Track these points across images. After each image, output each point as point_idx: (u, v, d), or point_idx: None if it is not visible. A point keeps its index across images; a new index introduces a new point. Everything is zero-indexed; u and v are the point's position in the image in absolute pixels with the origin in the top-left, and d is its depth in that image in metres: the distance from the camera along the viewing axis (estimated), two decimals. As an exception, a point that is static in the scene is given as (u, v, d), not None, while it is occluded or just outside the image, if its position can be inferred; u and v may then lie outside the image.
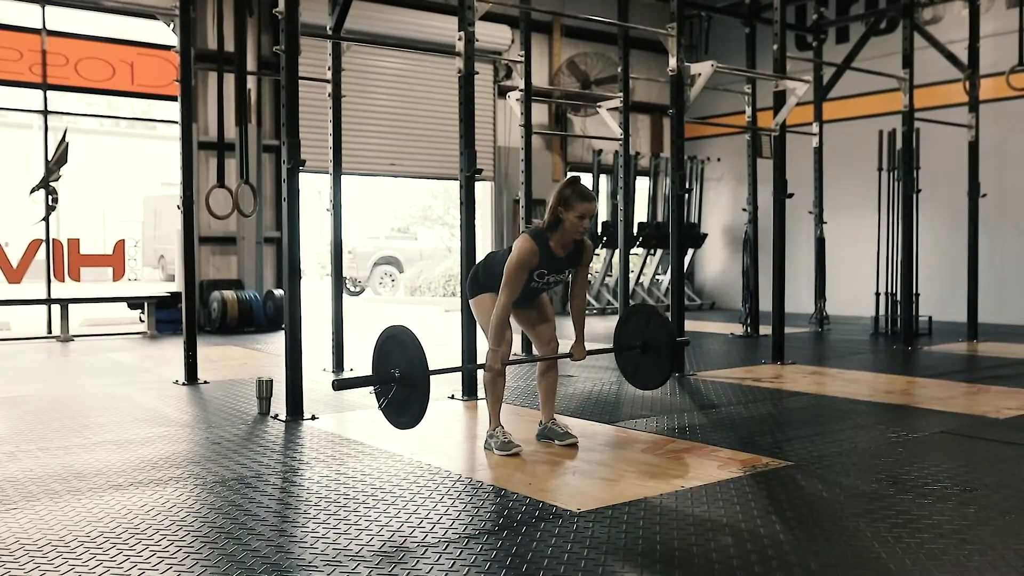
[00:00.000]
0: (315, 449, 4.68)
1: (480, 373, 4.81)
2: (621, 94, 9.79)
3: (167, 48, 11.56)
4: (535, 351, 4.90)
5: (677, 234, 7.34)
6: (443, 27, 11.97)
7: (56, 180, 10.52)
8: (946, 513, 3.46)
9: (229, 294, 11.23)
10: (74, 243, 10.74)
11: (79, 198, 12.12)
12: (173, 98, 11.56)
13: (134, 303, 11.22)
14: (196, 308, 11.16)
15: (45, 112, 10.61)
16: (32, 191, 10.48)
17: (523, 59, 8.85)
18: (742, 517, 3.42)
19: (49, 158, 10.48)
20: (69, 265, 10.68)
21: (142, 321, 11.05)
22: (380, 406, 4.37)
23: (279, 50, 5.54)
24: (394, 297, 21.55)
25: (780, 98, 7.83)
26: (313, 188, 29.27)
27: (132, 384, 7.00)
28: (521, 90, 8.75)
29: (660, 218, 14.60)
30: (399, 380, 4.30)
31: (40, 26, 10.50)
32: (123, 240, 11.15)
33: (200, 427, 5.29)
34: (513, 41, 13.61)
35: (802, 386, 6.72)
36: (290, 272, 5.63)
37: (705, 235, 14.93)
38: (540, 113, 14.47)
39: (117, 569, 2.87)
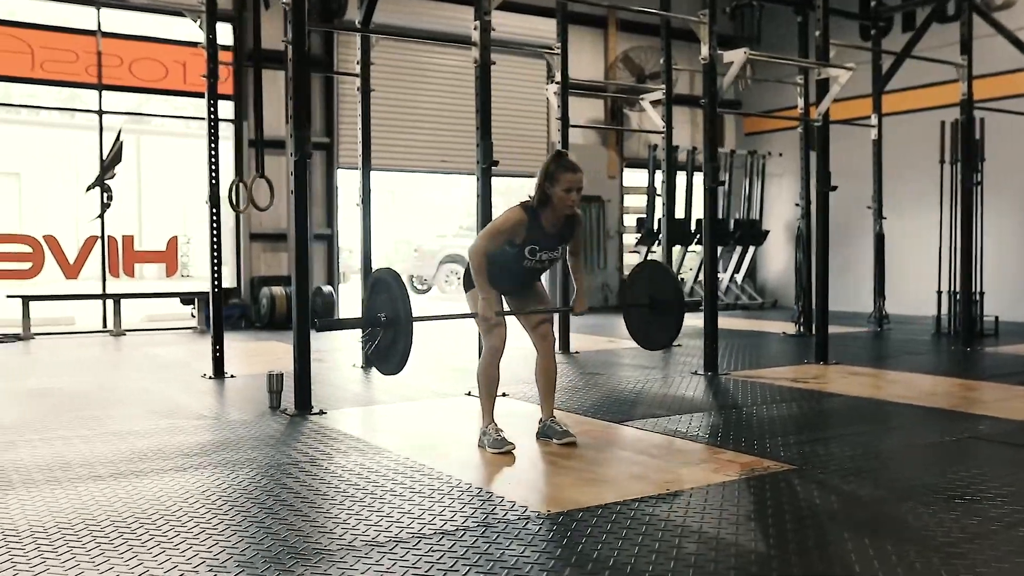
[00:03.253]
0: (307, 445, 4.60)
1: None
2: (666, 86, 9.51)
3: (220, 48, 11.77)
4: (533, 342, 4.71)
5: (710, 229, 7.08)
6: (501, 23, 11.85)
7: (111, 178, 10.75)
8: (945, 524, 3.20)
9: (278, 290, 11.32)
10: (128, 240, 10.97)
11: (134, 195, 12.37)
12: (226, 96, 11.81)
13: (186, 299, 11.40)
14: (225, 304, 11.33)
15: (100, 112, 10.85)
16: (88, 189, 10.73)
17: (565, 51, 8.65)
18: (718, 523, 3.22)
19: (104, 157, 10.72)
20: (123, 261, 10.91)
21: (193, 317, 11.22)
22: (367, 351, 4.32)
23: (286, 41, 5.49)
24: (458, 294, 21.55)
25: (823, 87, 7.50)
26: (385, 187, 29.51)
27: (162, 378, 7.07)
28: (558, 82, 8.57)
29: (720, 215, 14.23)
30: (384, 324, 4.21)
31: (95, 28, 10.74)
32: (175, 237, 11.33)
33: (205, 420, 5.27)
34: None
35: (839, 387, 6.40)
36: (298, 267, 5.58)
37: (767, 232, 14.50)
38: (595, 108, 14.28)
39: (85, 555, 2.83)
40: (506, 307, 4.66)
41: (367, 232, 7.80)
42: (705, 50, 6.86)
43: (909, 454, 4.37)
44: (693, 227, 13.87)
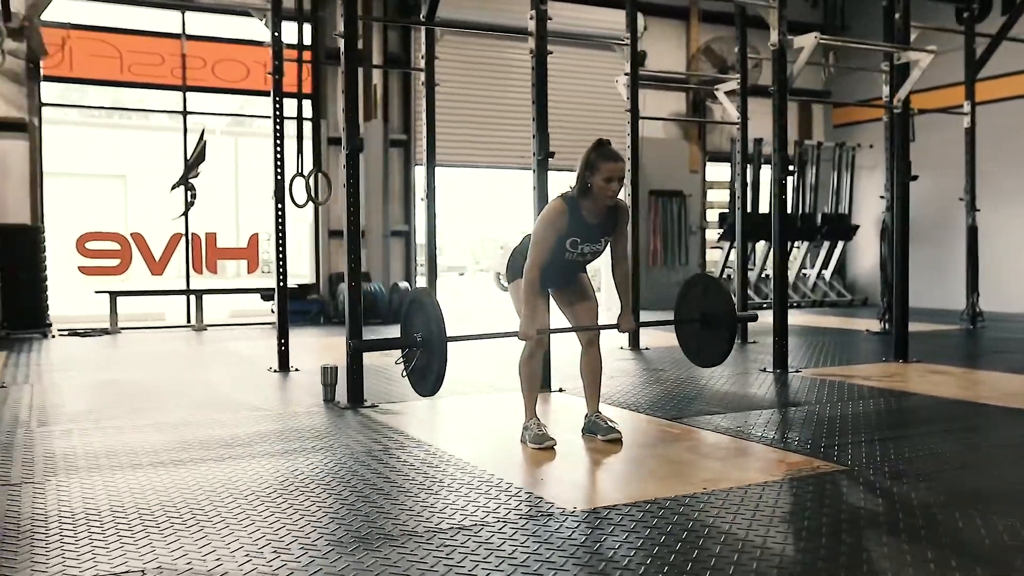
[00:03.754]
0: (350, 437, 4.59)
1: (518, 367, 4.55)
2: (741, 76, 9.23)
3: (298, 47, 11.96)
4: (580, 339, 4.59)
5: (779, 222, 6.82)
6: (559, 15, 11.73)
7: (195, 177, 11.03)
8: (999, 533, 2.97)
9: (355, 286, 11.42)
10: (211, 237, 11.24)
11: (217, 194, 12.65)
12: (305, 96, 11.98)
13: (266, 295, 11.61)
14: (303, 300, 11.47)
15: (184, 112, 11.15)
16: (173, 187, 11.03)
17: (635, 42, 8.48)
18: (748, 525, 3.06)
19: (188, 156, 11.01)
20: (207, 258, 11.19)
21: (272, 312, 11.40)
22: (403, 373, 4.28)
23: (338, 35, 5.50)
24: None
25: (903, 71, 7.16)
26: (471, 184, 29.55)
27: (228, 371, 7.20)
28: (627, 73, 8.41)
29: (805, 209, 13.80)
30: (420, 345, 4.17)
31: (180, 31, 11.04)
32: (256, 234, 11.57)
33: (259, 412, 5.32)
34: (646, 28, 13.19)
35: (912, 386, 6.09)
36: (351, 263, 5.58)
37: (856, 226, 13.99)
38: (677, 101, 14.01)
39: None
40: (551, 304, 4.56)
41: (432, 228, 7.80)
42: (774, 36, 6.62)
43: (975, 457, 4.11)
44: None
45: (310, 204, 11.85)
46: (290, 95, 11.97)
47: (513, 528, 3.06)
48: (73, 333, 10.05)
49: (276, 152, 7.13)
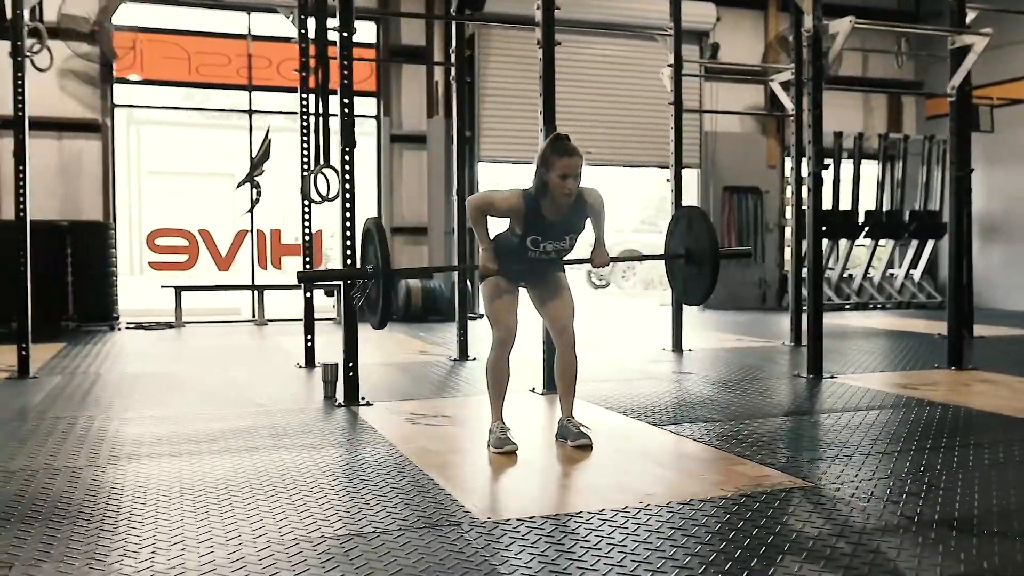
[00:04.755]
0: (322, 434, 4.52)
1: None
2: (795, 65, 8.76)
3: (365, 46, 12.06)
4: (552, 336, 4.38)
5: (813, 220, 6.41)
6: (644, 8, 11.48)
7: (260, 175, 11.23)
8: (948, 557, 2.66)
9: (414, 283, 11.44)
10: (275, 233, 11.44)
11: (282, 191, 12.84)
12: (370, 94, 12.09)
13: (328, 290, 11.72)
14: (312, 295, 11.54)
15: (250, 112, 11.37)
16: (238, 185, 11.26)
17: (678, 32, 8.17)
18: (657, 544, 2.83)
19: (254, 155, 11.22)
20: (271, 254, 11.39)
21: (334, 308, 11.54)
22: (355, 304, 4.21)
23: (335, 29, 5.44)
24: (631, 290, 21.11)
25: (958, 56, 6.64)
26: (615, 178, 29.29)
27: (257, 367, 7.27)
28: (670, 65, 8.10)
29: (891, 205, 13.10)
30: (370, 275, 4.07)
31: (246, 32, 11.26)
32: (320, 230, 11.68)
33: (252, 408, 5.31)
34: (719, 19, 12.77)
35: (953, 396, 5.62)
36: (344, 255, 5.51)
37: (946, 224, 13.17)
38: (755, 94, 13.50)
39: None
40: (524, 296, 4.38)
41: (463, 226, 7.68)
42: (808, 21, 6.24)
43: (976, 477, 3.71)
44: (861, 219, 12.85)
45: (378, 200, 12.10)
46: (359, 93, 12.13)
47: (411, 537, 2.91)
48: (139, 326, 10.37)
49: (303, 148, 7.15)
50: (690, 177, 13.35)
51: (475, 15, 11.88)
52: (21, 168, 6.54)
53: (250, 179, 11.24)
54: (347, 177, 5.42)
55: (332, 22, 5.60)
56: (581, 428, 4.27)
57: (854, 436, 4.43)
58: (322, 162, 6.32)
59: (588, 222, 4.24)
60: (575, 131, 12.55)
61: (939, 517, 3.12)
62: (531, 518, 3.11)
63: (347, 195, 5.43)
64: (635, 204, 27.80)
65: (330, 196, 6.35)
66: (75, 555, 2.77)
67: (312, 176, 6.36)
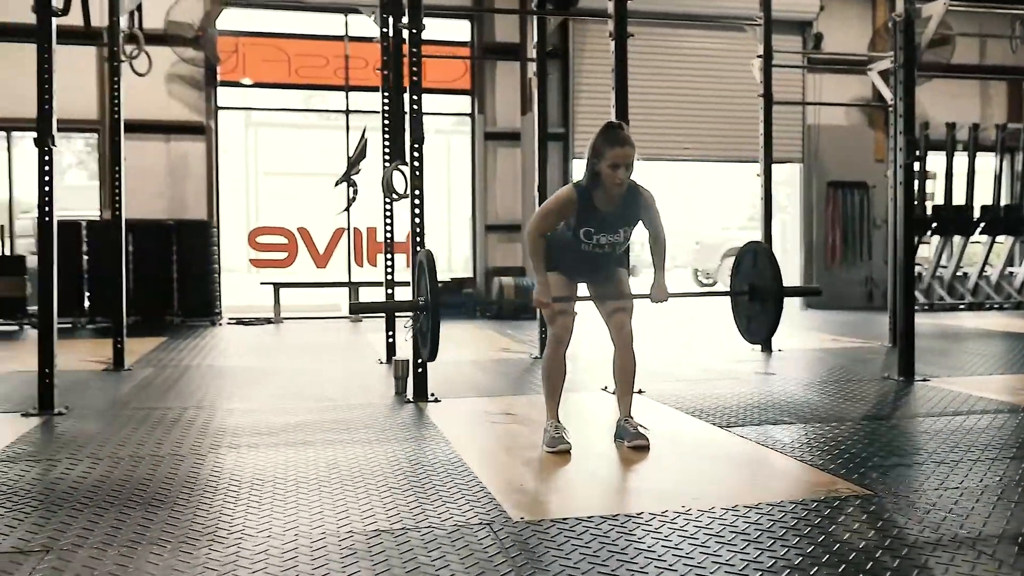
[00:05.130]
0: (382, 430, 4.54)
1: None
2: (894, 53, 8.35)
3: (459, 44, 12.14)
4: (609, 334, 4.28)
5: (905, 215, 6.10)
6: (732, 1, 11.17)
7: (357, 174, 11.42)
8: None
9: (507, 280, 11.45)
10: (371, 231, 11.63)
11: (378, 190, 13.05)
12: (464, 91, 12.16)
13: (422, 288, 11.85)
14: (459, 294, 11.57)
15: (347, 112, 11.58)
16: (336, 184, 11.47)
17: (768, 22, 7.90)
18: (689, 552, 2.72)
19: (351, 154, 11.41)
20: (367, 251, 11.59)
21: (427, 305, 11.64)
22: (406, 338, 4.19)
23: (404, 27, 5.46)
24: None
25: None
26: (667, 179, 28.93)
27: (341, 362, 7.38)
28: (759, 56, 7.83)
29: (1009, 200, 12.38)
30: (419, 309, 4.06)
31: (343, 33, 11.46)
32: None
33: (325, 401, 5.38)
34: (823, 8, 12.32)
35: (1048, 402, 5.26)
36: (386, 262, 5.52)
37: (1069, 219, 12.38)
38: (862, 85, 12.93)
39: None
40: (584, 293, 4.30)
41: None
42: (900, 4, 5.93)
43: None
44: (976, 214, 12.19)
45: (472, 198, 12.16)
46: (447, 91, 12.24)
47: (437, 535, 2.89)
48: (239, 322, 10.70)
49: (385, 146, 7.21)
50: (792, 173, 12.96)
51: (568, 9, 11.86)
52: (117, 169, 6.80)
53: (347, 178, 11.45)
54: (416, 173, 5.44)
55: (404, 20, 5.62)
56: (639, 429, 4.17)
57: (931, 443, 4.19)
58: (398, 159, 6.34)
59: (649, 245, 4.19)
60: (669, 126, 12.27)
61: (1003, 532, 2.90)
62: (564, 519, 3.04)
63: (416, 191, 5.45)
64: (742, 201, 27.20)
65: (405, 193, 6.36)
66: (168, 540, 2.86)
67: (388, 173, 6.41)
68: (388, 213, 7.28)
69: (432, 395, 5.46)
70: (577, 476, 3.74)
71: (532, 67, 11.71)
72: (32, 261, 10.66)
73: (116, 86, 6.77)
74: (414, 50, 5.41)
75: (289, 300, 11.28)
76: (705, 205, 26.67)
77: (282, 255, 11.43)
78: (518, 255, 12.05)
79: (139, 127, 10.93)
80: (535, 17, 7.50)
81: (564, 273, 4.16)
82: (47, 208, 5.00)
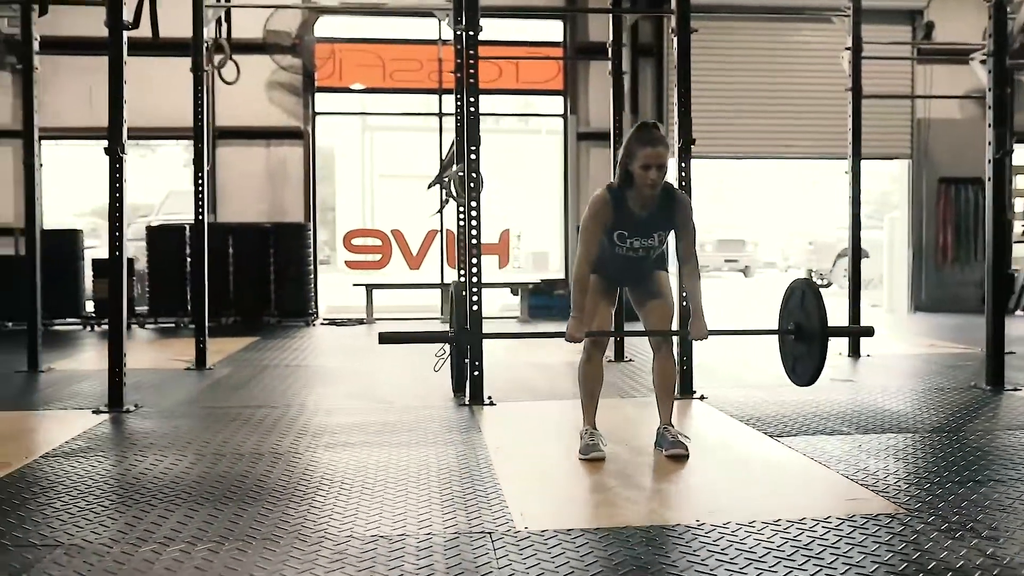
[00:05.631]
0: (425, 432, 4.55)
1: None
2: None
3: (551, 44, 12.10)
4: (650, 344, 4.17)
5: (995, 213, 5.72)
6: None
7: (450, 177, 11.54)
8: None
9: (598, 282, 11.32)
10: (464, 233, 11.70)
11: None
12: (557, 92, 12.11)
13: (513, 289, 11.85)
14: (550, 296, 11.51)
15: (440, 114, 11.68)
16: (429, 186, 11.60)
17: (858, 9, 7.55)
18: (688, 568, 2.60)
19: (443, 156, 11.53)
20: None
21: (519, 307, 11.64)
22: (435, 368, 4.13)
23: (462, 29, 5.45)
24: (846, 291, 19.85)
25: None
26: (808, 177, 28.21)
27: (416, 363, 7.38)
28: (848, 48, 7.49)
29: None
30: (447, 340, 4.03)
31: (436, 37, 11.58)
32: (507, 230, 11.86)
33: (383, 403, 5.43)
34: (934, -6, 11.71)
35: None
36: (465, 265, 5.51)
37: None
38: (979, 77, 12.25)
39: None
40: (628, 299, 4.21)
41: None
42: (989, -11, 5.57)
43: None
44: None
45: (564, 199, 12.09)
46: (540, 92, 12.21)
47: (434, 543, 2.86)
48: (332, 323, 10.94)
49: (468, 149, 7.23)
50: (901, 169, 12.37)
51: (662, 6, 11.67)
52: (200, 175, 7.03)
53: (439, 180, 11.57)
54: (472, 175, 5.43)
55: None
56: (679, 437, 4.03)
57: (994, 460, 3.90)
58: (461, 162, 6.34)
59: (679, 270, 4.05)
60: (767, 123, 11.84)
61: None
62: (569, 530, 2.96)
63: (472, 194, 5.44)
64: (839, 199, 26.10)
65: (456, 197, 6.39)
66: (254, 535, 2.95)
67: (452, 176, 6.43)
68: (465, 216, 7.28)
69: (489, 398, 5.44)
70: (602, 485, 3.64)
71: (625, 63, 11.64)
72: (139, 263, 11.25)
73: (199, 95, 7.00)
74: (471, 52, 5.41)
75: (383, 301, 11.46)
76: (820, 203, 25.82)
77: (376, 256, 11.63)
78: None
79: (241, 133, 11.38)
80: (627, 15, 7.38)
81: (603, 278, 4.08)
82: (117, 213, 5.20)
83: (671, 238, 4.04)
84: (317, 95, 11.61)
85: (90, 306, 10.60)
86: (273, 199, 11.42)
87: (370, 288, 11.23)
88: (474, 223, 5.44)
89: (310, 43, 11.23)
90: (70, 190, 15.81)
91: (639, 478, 3.74)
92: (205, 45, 7.10)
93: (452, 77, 11.37)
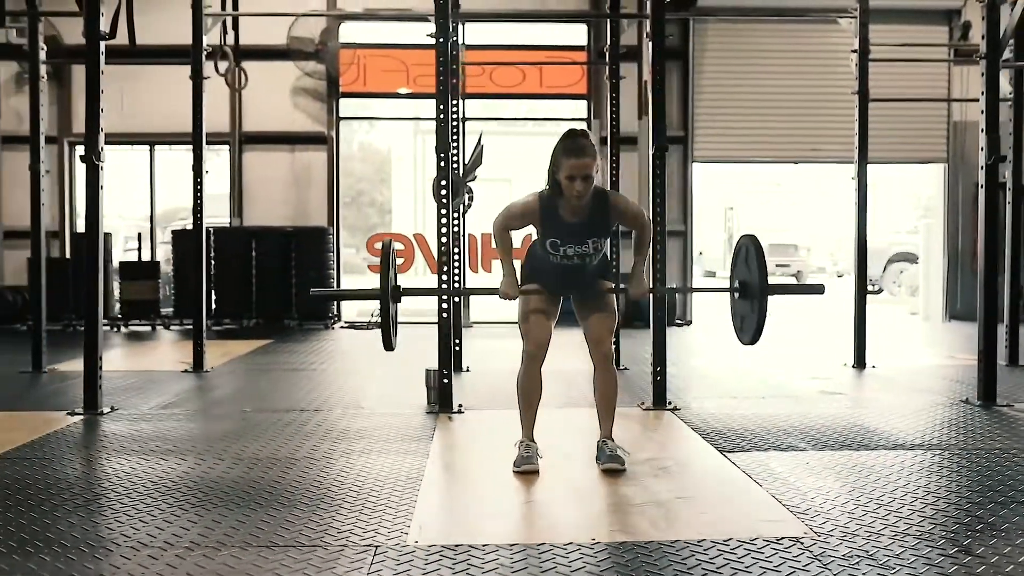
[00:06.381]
0: (378, 440, 4.53)
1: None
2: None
3: (575, 48, 12.01)
4: (590, 353, 4.08)
5: (987, 219, 5.49)
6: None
7: (472, 180, 11.53)
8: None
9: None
10: (486, 237, 11.69)
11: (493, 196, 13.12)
12: (580, 96, 12.03)
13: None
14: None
15: (462, 119, 11.67)
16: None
17: (865, 11, 7.33)
18: (547, 589, 2.54)
19: (466, 161, 11.53)
20: (482, 258, 11.69)
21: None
22: (368, 324, 4.05)
23: (430, 35, 5.42)
24: (903, 296, 19.31)
25: None
26: (827, 176, 27.42)
27: (409, 369, 7.40)
28: (854, 50, 7.27)
29: None
30: (372, 297, 4.00)
31: (459, 41, 11.58)
32: (530, 235, 11.76)
33: (355, 409, 5.44)
34: (971, -7, 11.32)
35: None
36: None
37: None
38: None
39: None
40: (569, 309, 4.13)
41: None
42: (981, -12, 5.36)
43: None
44: None
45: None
46: (564, 96, 12.13)
47: (312, 556, 2.83)
48: (351, 326, 11.01)
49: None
50: (936, 173, 11.99)
51: (688, 8, 11.51)
52: (199, 181, 7.13)
53: (462, 184, 11.59)
54: (443, 182, 5.43)
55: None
56: (616, 451, 3.95)
57: (933, 483, 3.74)
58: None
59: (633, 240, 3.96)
60: (773, 125, 11.52)
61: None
62: (456, 546, 2.92)
63: (444, 200, 5.43)
64: (909, 203, 25.51)
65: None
66: (278, 542, 2.98)
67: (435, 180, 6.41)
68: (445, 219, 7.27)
69: (459, 406, 5.41)
70: (519, 499, 3.58)
71: (647, 70, 11.51)
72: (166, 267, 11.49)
73: (199, 102, 7.09)
74: (441, 59, 5.41)
75: (406, 305, 11.48)
76: (872, 207, 25.16)
77: (398, 261, 11.67)
78: (634, 261, 11.76)
79: (266, 139, 11.55)
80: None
81: (544, 287, 4.02)
82: (94, 221, 5.29)
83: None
84: (341, 100, 11.72)
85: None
86: (298, 203, 11.57)
87: (391, 292, 11.27)
88: (444, 228, 5.43)
89: (334, 49, 11.33)
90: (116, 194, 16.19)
91: (563, 493, 3.66)
92: (205, 52, 7.17)
93: (471, 82, 11.57)
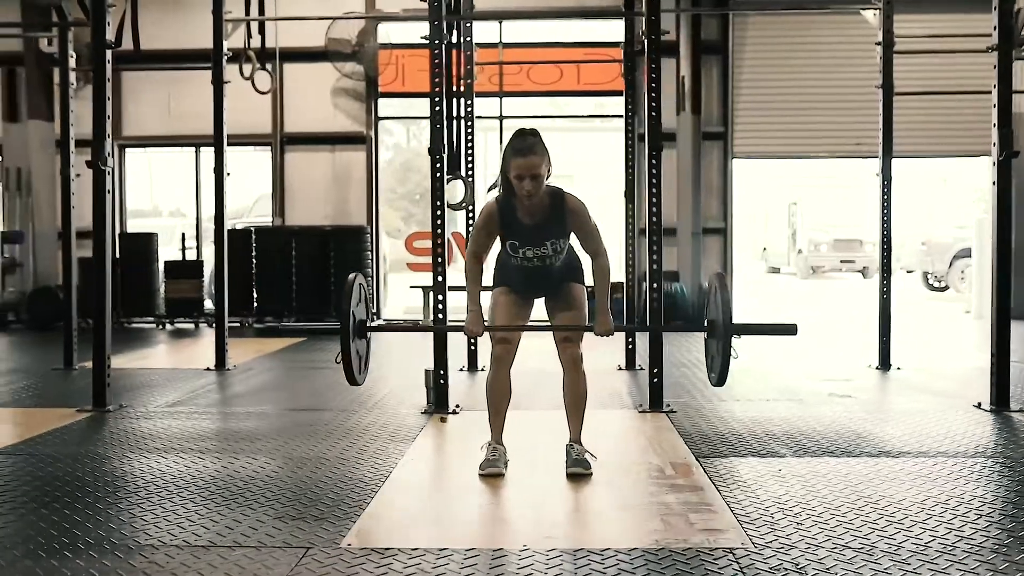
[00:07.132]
0: (369, 438, 4.58)
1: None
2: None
3: (611, 45, 11.90)
4: (558, 355, 4.05)
5: (999, 216, 5.30)
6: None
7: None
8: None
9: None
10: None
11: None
12: (617, 93, 11.91)
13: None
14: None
15: (501, 117, 11.69)
16: (489, 190, 11.62)
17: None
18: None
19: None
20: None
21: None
22: (336, 359, 4.00)
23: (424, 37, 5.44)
24: (967, 293, 18.69)
25: None
26: (873, 172, 26.72)
27: (412, 368, 7.49)
28: (878, 43, 7.06)
29: None
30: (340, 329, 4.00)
31: (497, 40, 11.60)
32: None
33: (356, 406, 5.49)
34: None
35: None
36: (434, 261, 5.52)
37: None
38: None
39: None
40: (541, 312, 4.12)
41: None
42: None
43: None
44: None
45: (626, 201, 11.89)
46: (601, 93, 12.05)
47: (251, 554, 2.89)
48: (388, 325, 11.13)
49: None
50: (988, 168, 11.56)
51: (727, 3, 11.34)
52: (221, 181, 7.26)
53: (497, 184, 11.61)
54: (436, 182, 5.46)
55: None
56: (583, 456, 3.92)
57: (907, 491, 3.62)
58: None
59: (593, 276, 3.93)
60: (817, 120, 11.23)
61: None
62: (387, 549, 2.94)
63: (438, 201, 5.47)
64: (966, 198, 24.65)
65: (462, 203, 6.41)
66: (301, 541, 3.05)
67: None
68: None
69: (456, 407, 5.43)
70: (476, 503, 3.59)
71: (685, 65, 11.37)
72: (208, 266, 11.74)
73: (220, 105, 7.23)
74: (435, 61, 5.45)
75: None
76: (937, 202, 24.49)
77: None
78: (673, 259, 11.63)
79: (307, 139, 11.74)
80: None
81: (512, 291, 4.02)
82: (101, 224, 5.44)
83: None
84: (380, 100, 11.83)
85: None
86: (338, 202, 11.72)
87: (426, 290, 11.34)
88: (439, 230, 5.46)
89: (372, 49, 11.44)
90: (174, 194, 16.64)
91: (522, 497, 3.65)
92: (225, 56, 7.31)
93: (509, 80, 11.57)
